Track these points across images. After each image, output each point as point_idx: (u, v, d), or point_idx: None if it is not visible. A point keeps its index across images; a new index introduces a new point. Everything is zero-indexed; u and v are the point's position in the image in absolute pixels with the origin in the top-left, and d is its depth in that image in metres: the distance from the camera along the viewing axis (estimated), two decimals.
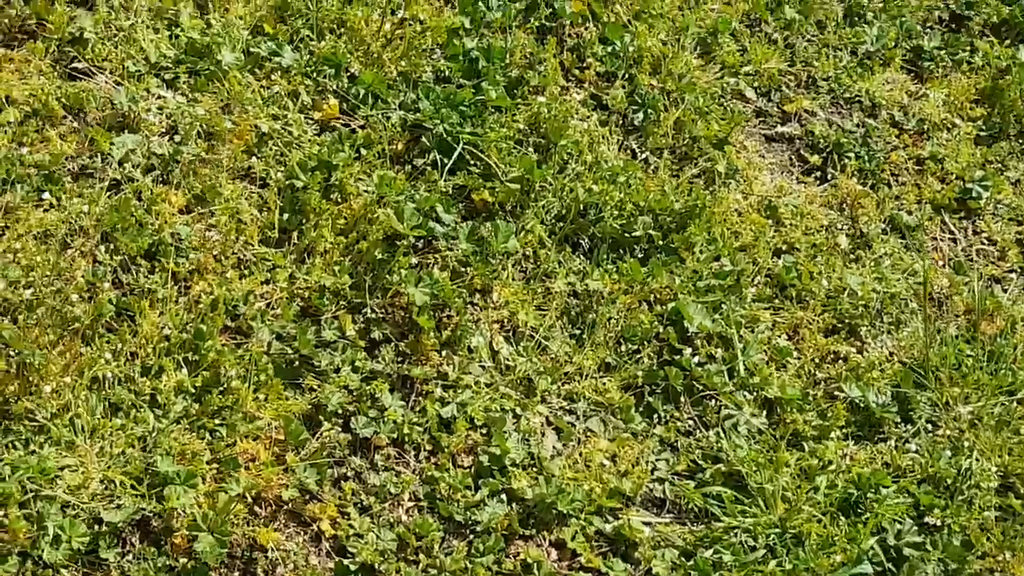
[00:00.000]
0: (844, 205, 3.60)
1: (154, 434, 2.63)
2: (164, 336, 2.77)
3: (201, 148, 3.07)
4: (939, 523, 2.90)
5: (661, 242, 3.29)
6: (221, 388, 2.73)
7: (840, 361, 3.24)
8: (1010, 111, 3.96)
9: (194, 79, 3.22)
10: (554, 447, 2.91)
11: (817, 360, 3.23)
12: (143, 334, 2.76)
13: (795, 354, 3.22)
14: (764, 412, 3.07)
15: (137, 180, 2.98)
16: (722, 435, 2.99)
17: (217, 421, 2.70)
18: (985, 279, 3.55)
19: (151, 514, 2.55)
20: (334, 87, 3.31)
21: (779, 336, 3.24)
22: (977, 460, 3.03)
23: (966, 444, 3.07)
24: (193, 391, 2.72)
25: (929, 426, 3.13)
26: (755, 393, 3.08)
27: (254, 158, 3.11)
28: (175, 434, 2.65)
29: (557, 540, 2.77)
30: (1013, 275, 3.59)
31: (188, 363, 2.76)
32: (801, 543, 2.81)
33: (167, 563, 2.51)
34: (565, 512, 2.78)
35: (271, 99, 3.23)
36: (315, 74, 3.32)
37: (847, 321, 3.32)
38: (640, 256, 3.27)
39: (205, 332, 2.76)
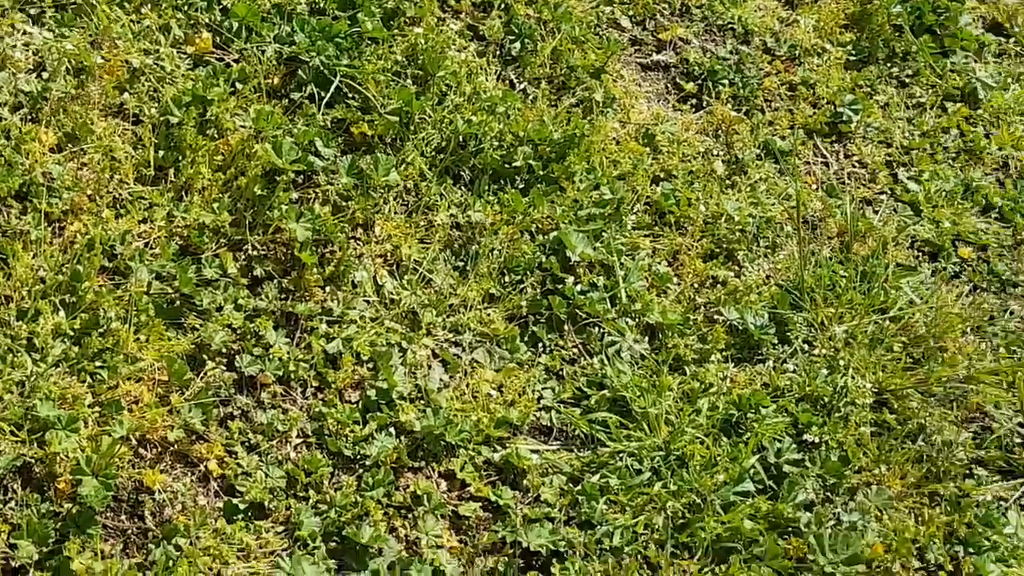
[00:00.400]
0: (719, 131, 3.65)
1: (33, 378, 2.58)
2: (39, 279, 2.71)
3: (71, 85, 2.99)
4: (817, 440, 2.99)
5: (541, 172, 3.30)
6: (101, 330, 2.69)
7: (719, 285, 3.29)
8: (878, 35, 4.04)
9: (61, 14, 3.12)
10: (441, 379, 2.92)
11: (696, 285, 3.28)
12: (17, 277, 2.69)
13: (675, 280, 3.27)
14: (646, 338, 3.11)
15: (5, 119, 2.89)
16: (606, 362, 3.03)
17: (98, 363, 2.66)
18: (857, 201, 3.63)
19: (33, 460, 2.51)
20: (206, 20, 3.24)
21: (659, 262, 3.28)
22: (852, 377, 3.12)
23: (841, 362, 3.15)
24: (72, 334, 2.67)
25: (805, 346, 3.21)
26: (637, 319, 3.13)
27: (126, 94, 3.04)
28: (54, 378, 2.61)
29: (446, 471, 2.79)
30: (884, 196, 3.68)
31: (65, 305, 2.70)
32: (685, 464, 2.87)
33: (51, 509, 2.48)
34: (453, 443, 2.80)
35: (142, 33, 3.15)
36: (186, 7, 3.25)
37: (725, 246, 3.37)
38: (521, 186, 3.28)
39: (82, 273, 2.70)
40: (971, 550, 2.87)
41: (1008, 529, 2.92)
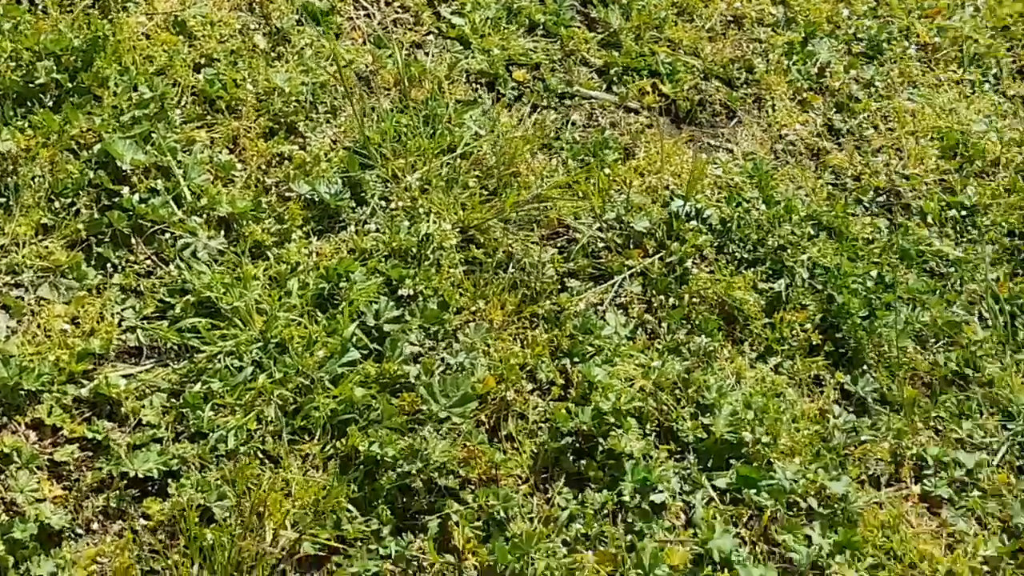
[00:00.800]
0: (254, 5, 3.51)
1: None
2: None
3: None
4: (412, 292, 2.96)
5: (70, 85, 3.08)
6: None
7: (286, 161, 3.19)
8: None
9: None
10: (7, 327, 2.71)
11: (263, 166, 3.16)
12: None
13: (239, 166, 3.15)
14: (221, 232, 2.99)
15: None
16: (183, 266, 2.89)
17: None
18: (407, 47, 3.59)
19: None
20: None
21: (219, 152, 3.14)
22: (435, 223, 3.11)
23: (421, 210, 3.13)
24: None
25: (383, 203, 3.16)
26: (206, 215, 2.99)
27: None
28: None
29: (33, 420, 2.60)
30: (431, 37, 3.65)
31: None
32: (285, 350, 2.79)
33: None
34: (34, 390, 2.61)
35: None
36: None
37: (283, 120, 3.26)
38: (51, 104, 3.05)
39: None
40: (576, 359, 2.94)
41: (607, 331, 3.00)
